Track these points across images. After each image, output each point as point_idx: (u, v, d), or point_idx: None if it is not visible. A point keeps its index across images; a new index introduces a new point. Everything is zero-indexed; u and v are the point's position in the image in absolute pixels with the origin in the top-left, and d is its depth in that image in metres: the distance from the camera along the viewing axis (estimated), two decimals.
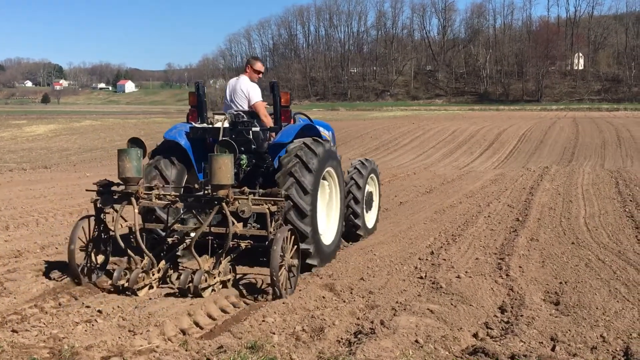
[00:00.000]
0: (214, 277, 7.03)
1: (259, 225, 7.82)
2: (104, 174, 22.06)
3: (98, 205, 7.53)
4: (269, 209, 7.07)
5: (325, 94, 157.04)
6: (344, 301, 6.64)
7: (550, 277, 7.54)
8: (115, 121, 61.85)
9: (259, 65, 9.22)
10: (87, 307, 6.27)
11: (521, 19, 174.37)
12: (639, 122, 51.30)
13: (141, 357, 4.93)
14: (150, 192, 7.43)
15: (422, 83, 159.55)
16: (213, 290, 7.04)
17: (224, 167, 6.96)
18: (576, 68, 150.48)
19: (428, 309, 6.15)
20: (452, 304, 6.35)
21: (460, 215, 12.05)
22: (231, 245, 7.15)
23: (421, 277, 7.54)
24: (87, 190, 8.06)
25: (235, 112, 8.68)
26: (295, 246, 7.25)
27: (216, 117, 8.60)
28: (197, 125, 8.75)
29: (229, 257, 7.29)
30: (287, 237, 7.02)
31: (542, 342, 5.34)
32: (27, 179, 19.29)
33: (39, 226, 10.73)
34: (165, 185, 7.96)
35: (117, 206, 7.55)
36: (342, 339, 5.53)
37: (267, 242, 7.01)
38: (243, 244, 7.29)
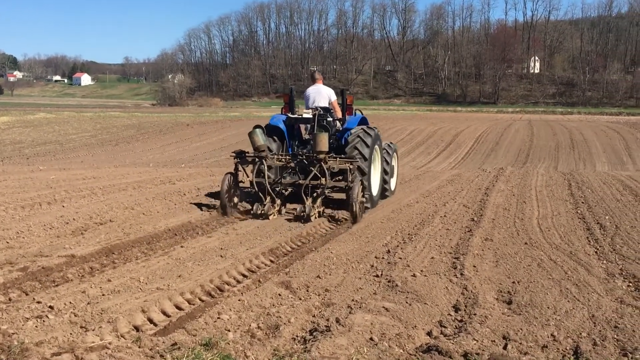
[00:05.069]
0: (315, 209, 11.41)
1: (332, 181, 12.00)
2: (59, 167, 21.69)
3: (236, 165, 11.97)
4: (349, 166, 11.57)
5: (285, 91, 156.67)
6: (300, 299, 6.63)
7: (503, 277, 7.64)
8: (71, 114, 60.86)
9: (321, 75, 13.83)
10: (38, 302, 6.12)
11: (479, 21, 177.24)
12: (592, 126, 52.49)
13: (93, 354, 4.83)
14: (273, 156, 11.99)
15: (382, 83, 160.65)
16: (315, 217, 11.31)
17: (324, 140, 11.48)
18: (532, 71, 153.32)
19: (383, 307, 6.18)
20: (407, 303, 6.39)
21: (417, 215, 12.13)
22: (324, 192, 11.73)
23: (377, 276, 7.57)
24: (230, 155, 12.90)
25: (314, 107, 12.83)
26: (363, 191, 11.69)
27: (304, 111, 12.94)
28: (290, 115, 13.11)
29: (321, 198, 11.70)
30: (359, 185, 11.28)
31: (494, 341, 5.41)
32: None
33: None
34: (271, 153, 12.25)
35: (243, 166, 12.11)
36: (297, 336, 5.52)
37: (347, 187, 11.45)
38: (327, 191, 11.88)
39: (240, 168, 12.01)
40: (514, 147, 38.49)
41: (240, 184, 12.05)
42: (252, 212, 11.38)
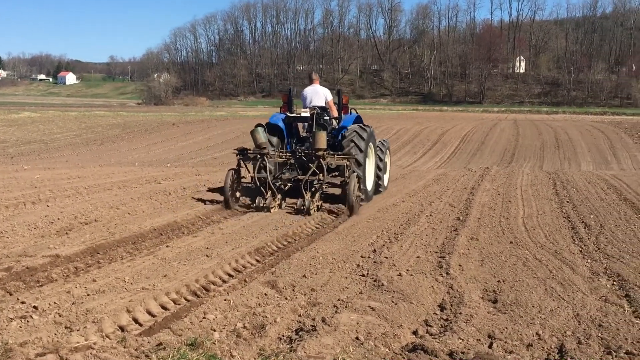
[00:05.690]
0: (314, 203, 12.00)
1: (329, 176, 12.83)
2: (43, 166, 21.53)
3: (239, 162, 12.59)
4: (345, 163, 12.32)
5: (271, 90, 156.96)
6: (286, 298, 6.62)
7: (488, 276, 7.67)
8: (55, 113, 60.46)
9: (318, 76, 14.60)
10: (22, 302, 6.08)
11: (465, 21, 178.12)
12: (577, 126, 52.76)
13: (78, 354, 4.80)
14: (274, 153, 12.69)
15: (368, 82, 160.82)
16: (314, 210, 11.89)
17: (322, 138, 12.12)
18: (517, 71, 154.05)
19: (369, 306, 6.19)
20: (393, 302, 6.40)
21: (403, 214, 12.15)
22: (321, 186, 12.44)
23: (363, 275, 7.58)
24: (232, 152, 13.51)
25: (312, 107, 13.51)
26: (359, 185, 12.25)
27: (302, 110, 13.71)
28: (289, 114, 13.89)
29: (319, 192, 12.39)
30: (355, 180, 11.99)
31: (479, 340, 5.43)
32: None
33: None
34: (272, 149, 12.87)
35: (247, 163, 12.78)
36: (283, 336, 5.51)
37: (344, 182, 12.22)
38: (324, 186, 12.66)
39: (242, 164, 12.66)
40: (499, 147, 38.61)
41: (243, 180, 12.74)
42: (254, 205, 12.09)
